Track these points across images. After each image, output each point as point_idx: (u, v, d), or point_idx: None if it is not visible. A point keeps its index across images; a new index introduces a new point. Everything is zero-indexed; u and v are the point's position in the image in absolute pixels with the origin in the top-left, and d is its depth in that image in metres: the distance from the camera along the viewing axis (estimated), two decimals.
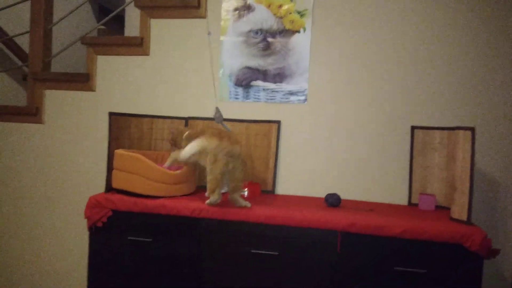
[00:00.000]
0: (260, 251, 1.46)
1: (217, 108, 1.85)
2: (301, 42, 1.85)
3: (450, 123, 1.73)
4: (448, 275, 1.34)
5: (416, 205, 1.71)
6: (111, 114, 1.75)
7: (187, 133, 1.68)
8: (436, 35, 1.74)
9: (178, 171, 1.64)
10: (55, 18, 2.26)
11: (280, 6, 1.87)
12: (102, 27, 3.25)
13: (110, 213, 1.59)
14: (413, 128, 1.73)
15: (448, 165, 1.64)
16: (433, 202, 1.62)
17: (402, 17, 1.76)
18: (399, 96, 1.77)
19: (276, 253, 1.45)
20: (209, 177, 1.52)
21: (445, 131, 1.67)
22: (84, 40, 2.03)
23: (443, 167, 1.67)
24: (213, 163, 1.50)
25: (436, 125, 1.73)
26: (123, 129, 1.83)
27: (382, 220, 1.40)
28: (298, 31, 1.85)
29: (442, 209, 1.64)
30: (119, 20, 3.59)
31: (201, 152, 1.52)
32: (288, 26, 1.86)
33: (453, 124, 1.72)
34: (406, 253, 1.36)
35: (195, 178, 1.76)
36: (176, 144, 1.72)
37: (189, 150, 1.51)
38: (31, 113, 2.09)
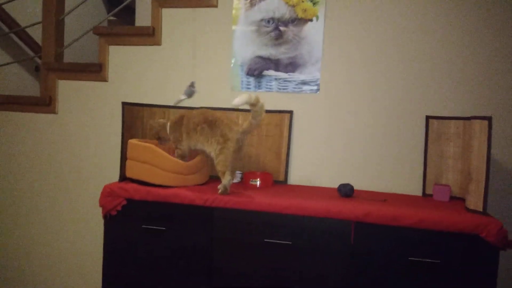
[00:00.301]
0: (273, 240, 1.46)
1: (192, 82, 1.79)
2: (314, 31, 1.83)
3: (465, 113, 1.70)
4: (464, 266, 1.33)
5: (430, 195, 1.70)
6: (124, 104, 1.76)
7: (169, 123, 1.66)
8: (452, 22, 1.70)
9: (190, 162, 1.64)
10: (66, 9, 2.26)
11: None
12: (112, 17, 3.25)
13: (124, 202, 1.60)
14: (427, 117, 1.71)
15: (463, 155, 1.62)
16: (448, 193, 1.60)
17: (417, 3, 1.72)
18: (413, 85, 1.74)
19: (289, 243, 1.45)
20: (219, 158, 1.51)
21: (460, 121, 1.64)
22: (97, 30, 2.03)
23: (458, 158, 1.65)
24: (224, 142, 1.50)
25: (451, 115, 1.70)
26: (136, 119, 1.84)
27: (396, 210, 1.39)
28: (311, 20, 1.83)
29: (457, 200, 1.63)
30: (129, 11, 3.58)
31: (205, 137, 1.54)
32: (300, 14, 1.84)
33: (468, 114, 1.69)
34: (420, 243, 1.36)
35: (208, 168, 1.77)
36: (161, 138, 1.69)
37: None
38: (44, 103, 2.11)
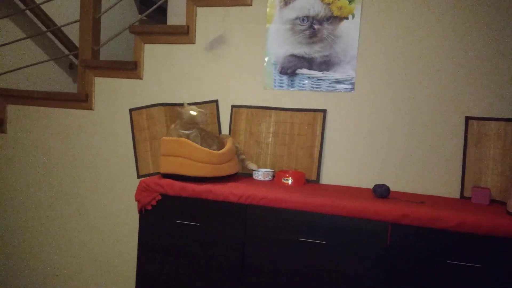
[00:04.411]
0: (306, 239, 1.46)
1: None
2: (349, 29, 1.81)
3: (507, 114, 1.64)
4: (505, 271, 1.29)
5: (469, 198, 1.65)
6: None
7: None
8: (490, 21, 1.65)
9: (221, 151, 1.67)
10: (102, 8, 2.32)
11: None
12: (144, 17, 3.32)
13: (159, 197, 1.63)
14: (467, 118, 1.66)
15: (504, 157, 1.57)
16: (488, 196, 1.56)
17: (456, 2, 1.68)
18: (452, 85, 1.70)
19: (323, 242, 1.44)
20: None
21: (502, 122, 1.59)
22: (132, 29, 2.08)
23: (499, 160, 1.60)
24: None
25: (492, 116, 1.65)
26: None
27: (435, 212, 1.36)
28: (347, 18, 1.81)
29: (497, 203, 1.58)
30: (161, 10, 3.64)
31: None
32: (336, 12, 1.82)
33: (509, 115, 1.64)
34: (460, 246, 1.32)
35: (237, 159, 1.81)
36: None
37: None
38: (81, 99, 2.17)
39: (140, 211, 1.67)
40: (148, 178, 1.68)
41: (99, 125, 2.18)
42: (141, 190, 1.65)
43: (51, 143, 2.26)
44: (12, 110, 2.32)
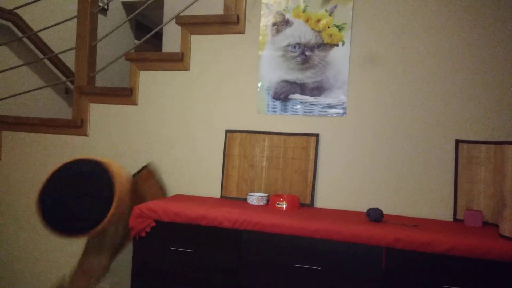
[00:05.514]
0: (301, 265, 1.46)
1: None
2: (340, 56, 1.86)
3: (496, 137, 1.68)
4: None
5: (461, 221, 1.66)
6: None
7: None
8: (479, 43, 1.70)
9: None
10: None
11: (319, 20, 1.89)
12: (137, 42, 3.37)
13: (154, 224, 1.63)
14: (457, 141, 1.70)
15: (496, 180, 1.59)
16: (480, 218, 1.57)
17: (444, 28, 1.74)
18: (443, 109, 1.74)
19: (319, 268, 1.44)
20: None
21: (492, 145, 1.62)
22: (128, 56, 2.12)
23: (490, 183, 1.62)
24: None
25: (482, 139, 1.69)
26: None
27: (428, 236, 1.37)
28: (337, 45, 1.86)
29: (490, 226, 1.59)
30: (156, 36, 3.71)
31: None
32: (326, 39, 1.88)
33: (499, 138, 1.67)
34: (454, 270, 1.33)
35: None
36: None
37: None
38: (76, 125, 2.19)
39: (134, 237, 1.66)
40: (143, 204, 1.68)
41: (94, 151, 2.18)
42: (136, 217, 1.64)
43: (46, 169, 2.26)
44: (7, 137, 2.33)
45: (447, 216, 1.71)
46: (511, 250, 1.27)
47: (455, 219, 1.68)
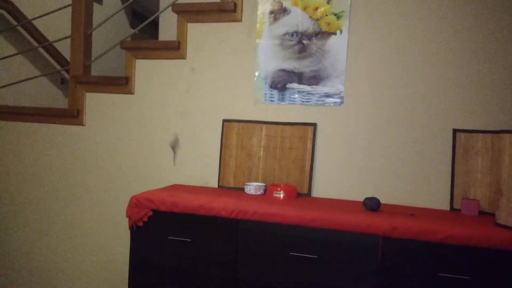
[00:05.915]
0: (298, 254, 1.46)
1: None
2: (337, 44, 1.84)
3: (493, 126, 1.67)
4: (495, 282, 1.30)
5: (458, 210, 1.67)
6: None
7: None
8: (476, 35, 1.69)
9: None
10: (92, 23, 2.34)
11: (316, 8, 1.86)
12: (136, 32, 3.33)
13: (151, 213, 1.63)
14: (455, 131, 1.69)
15: (492, 169, 1.59)
16: (477, 207, 1.58)
17: (442, 16, 1.72)
18: (440, 98, 1.73)
19: (315, 257, 1.44)
20: None
21: (489, 135, 1.62)
22: (124, 45, 2.09)
23: (487, 172, 1.62)
24: None
25: (479, 128, 1.68)
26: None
27: (425, 225, 1.37)
28: (335, 33, 1.85)
29: (486, 215, 1.60)
30: (152, 24, 3.67)
31: None
32: (324, 28, 1.86)
33: (496, 127, 1.67)
34: (450, 259, 1.33)
35: None
36: None
37: None
38: (72, 115, 2.17)
39: (131, 227, 1.65)
40: (139, 193, 1.67)
41: (90, 141, 2.17)
42: (132, 206, 1.64)
43: (41, 159, 2.25)
44: (2, 126, 2.31)
45: (444, 205, 1.72)
46: (507, 239, 1.28)
47: (451, 208, 1.69)
